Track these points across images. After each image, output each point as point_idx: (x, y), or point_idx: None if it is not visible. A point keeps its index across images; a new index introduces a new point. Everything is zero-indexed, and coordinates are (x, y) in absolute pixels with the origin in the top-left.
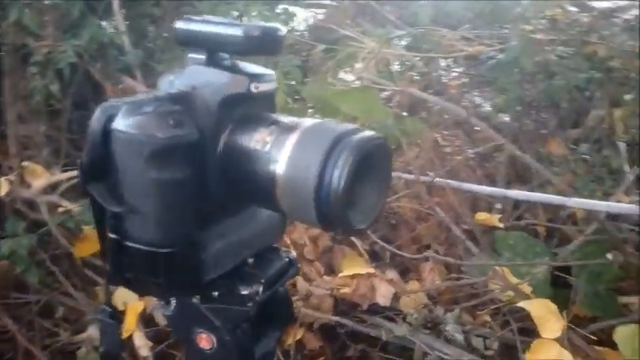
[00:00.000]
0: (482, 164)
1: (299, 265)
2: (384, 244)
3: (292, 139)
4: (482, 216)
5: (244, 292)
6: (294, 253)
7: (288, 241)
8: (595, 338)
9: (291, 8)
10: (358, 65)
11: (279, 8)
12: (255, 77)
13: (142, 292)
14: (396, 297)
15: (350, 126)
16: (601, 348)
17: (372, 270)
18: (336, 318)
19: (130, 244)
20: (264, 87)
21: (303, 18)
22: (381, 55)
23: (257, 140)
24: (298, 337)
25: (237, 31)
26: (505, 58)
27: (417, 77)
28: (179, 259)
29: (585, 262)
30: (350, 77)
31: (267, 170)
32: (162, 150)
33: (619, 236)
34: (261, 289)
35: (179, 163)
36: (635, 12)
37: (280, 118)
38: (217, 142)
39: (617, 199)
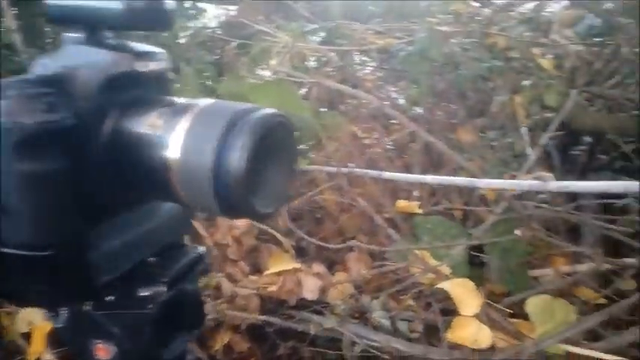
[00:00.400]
0: (400, 154)
1: (218, 263)
2: (307, 238)
3: (186, 120)
4: (402, 204)
5: (144, 294)
6: (203, 248)
7: (211, 243)
8: (510, 311)
9: (202, 5)
10: (273, 60)
11: (188, 3)
12: (142, 56)
13: (26, 304)
14: (324, 290)
15: (248, 104)
16: (515, 320)
17: (298, 265)
18: (264, 317)
19: (3, 249)
20: (153, 66)
21: (215, 14)
22: (296, 49)
23: (147, 125)
24: (225, 340)
25: (117, 4)
26: (414, 50)
27: (333, 72)
28: (63, 263)
29: (496, 239)
30: (267, 73)
31: (159, 156)
32: (31, 138)
33: (525, 213)
34: (163, 289)
35: (53, 153)
36: (529, 5)
37: (175, 99)
38: (100, 129)
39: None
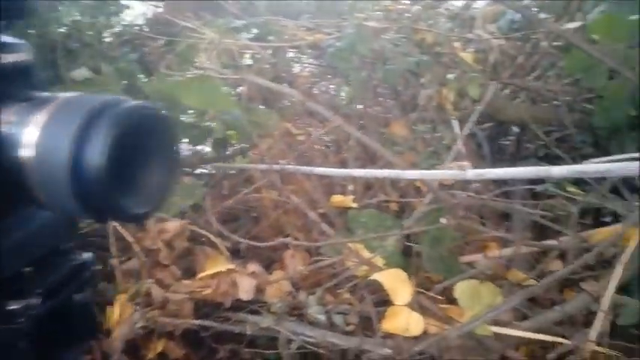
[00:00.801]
0: (335, 150)
1: (148, 269)
2: (238, 238)
3: (43, 115)
4: (337, 199)
5: (13, 307)
6: (89, 255)
7: (139, 249)
8: (441, 298)
9: (129, 2)
10: (201, 58)
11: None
12: None
13: None
14: (261, 289)
15: (113, 97)
16: (446, 306)
17: (232, 266)
18: (198, 321)
19: None
20: (11, 58)
21: (141, 12)
22: (223, 45)
23: (1, 122)
24: (159, 348)
25: None
26: (342, 45)
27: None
28: None
29: (424, 228)
30: (199, 71)
31: (13, 156)
32: None
33: (454, 202)
34: (37, 301)
35: None
36: (457, 3)
37: (35, 94)
38: None
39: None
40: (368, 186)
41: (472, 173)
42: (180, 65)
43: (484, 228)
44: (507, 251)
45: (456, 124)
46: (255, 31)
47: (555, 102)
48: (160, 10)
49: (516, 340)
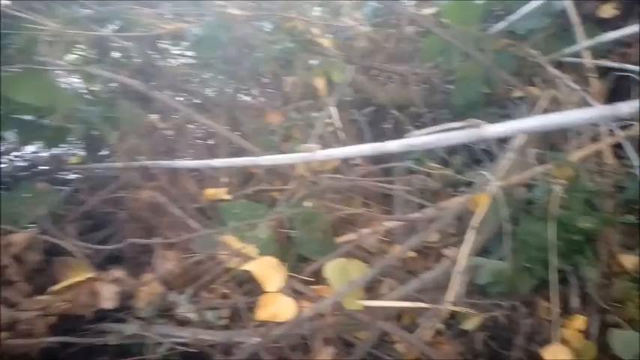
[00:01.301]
0: (206, 143)
1: None
2: (93, 246)
3: None
4: (210, 192)
5: None
6: None
7: None
8: (312, 279)
9: None
10: (42, 50)
11: None
12: None
13: None
14: (130, 296)
15: None
16: (318, 286)
17: (92, 274)
18: (53, 339)
19: None
20: None
21: None
22: (67, 37)
23: None
24: None
25: None
26: (202, 33)
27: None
28: None
29: (289, 213)
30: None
31: None
32: None
33: (318, 186)
34: None
35: None
36: None
37: None
38: None
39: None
40: (245, 177)
41: (320, 154)
42: (20, 59)
43: (353, 208)
44: (381, 227)
45: (335, 110)
46: (117, 21)
47: (424, 85)
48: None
49: (394, 312)
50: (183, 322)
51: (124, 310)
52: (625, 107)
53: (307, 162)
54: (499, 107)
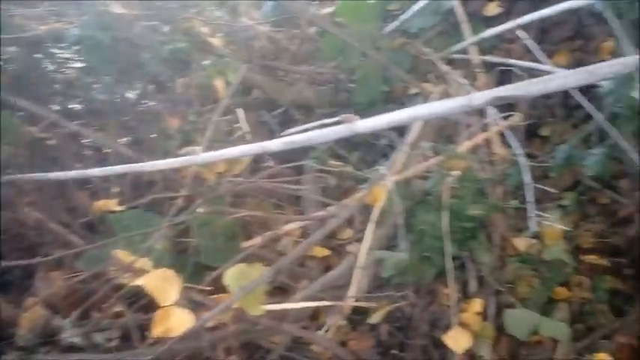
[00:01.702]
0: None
1: None
2: None
3: None
4: (100, 203)
5: None
6: None
7: None
8: (213, 289)
9: None
10: None
11: None
12: None
13: None
14: (9, 323)
15: None
16: (219, 295)
17: None
18: None
19: None
20: None
21: None
22: None
23: None
24: None
25: None
26: (82, 34)
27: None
28: None
29: (179, 221)
30: None
31: None
32: None
33: (218, 190)
34: None
35: None
36: None
37: None
38: None
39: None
40: (142, 186)
41: (202, 157)
42: None
43: (262, 211)
44: (286, 228)
45: (241, 112)
46: None
47: (329, 84)
48: None
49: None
50: (69, 348)
51: (4, 339)
52: (478, 98)
53: (195, 164)
54: (398, 104)
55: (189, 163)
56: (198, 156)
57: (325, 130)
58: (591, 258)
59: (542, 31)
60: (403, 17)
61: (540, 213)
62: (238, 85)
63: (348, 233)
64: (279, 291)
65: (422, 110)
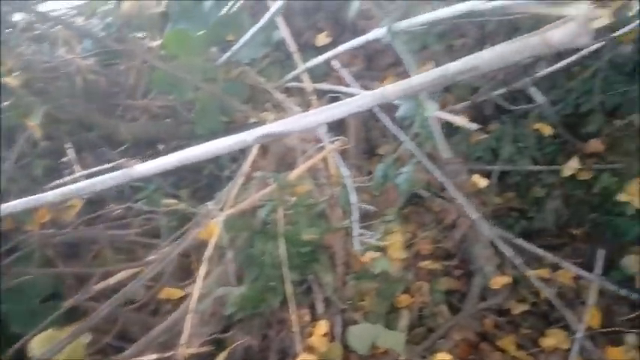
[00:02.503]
0: None
1: None
2: None
3: None
4: None
5: None
6: None
7: None
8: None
9: None
10: None
11: None
12: None
13: None
14: None
15: None
16: None
17: None
18: None
19: None
20: None
21: None
22: None
23: None
24: None
25: None
26: None
27: None
28: None
29: None
30: None
31: None
32: None
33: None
34: None
35: None
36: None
37: None
38: None
39: None
40: None
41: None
42: None
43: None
44: (121, 275)
45: (72, 151)
46: None
47: (171, 118)
48: None
49: None
50: None
51: None
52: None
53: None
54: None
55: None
56: (6, 205)
57: (102, 178)
58: (427, 263)
59: (369, 59)
60: (234, 48)
61: (364, 231)
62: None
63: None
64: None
65: (193, 152)
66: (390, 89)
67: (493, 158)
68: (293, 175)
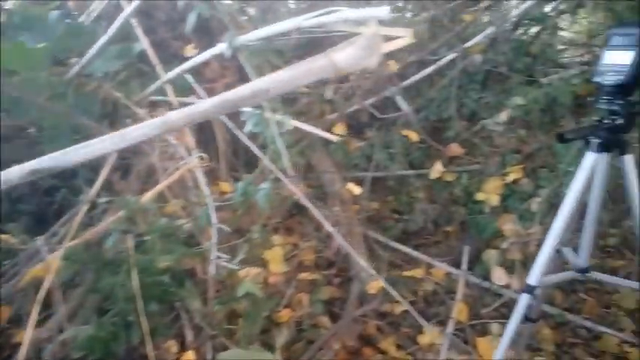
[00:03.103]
0: None
1: None
2: None
3: None
4: None
5: None
6: None
7: None
8: None
9: None
10: None
11: None
12: None
13: None
14: None
15: None
16: None
17: None
18: None
19: None
20: None
21: None
22: None
23: None
24: None
25: None
26: None
27: None
28: None
29: None
30: None
31: None
32: None
33: None
34: None
35: None
36: None
37: None
38: None
39: None
40: None
41: None
42: None
43: None
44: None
45: None
46: None
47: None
48: None
49: None
50: None
51: None
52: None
53: None
54: None
55: None
56: None
57: None
58: (307, 275)
59: (240, 70)
60: (83, 61)
61: (221, 255)
62: None
63: None
64: None
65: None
66: (174, 116)
67: (368, 165)
68: (147, 197)
